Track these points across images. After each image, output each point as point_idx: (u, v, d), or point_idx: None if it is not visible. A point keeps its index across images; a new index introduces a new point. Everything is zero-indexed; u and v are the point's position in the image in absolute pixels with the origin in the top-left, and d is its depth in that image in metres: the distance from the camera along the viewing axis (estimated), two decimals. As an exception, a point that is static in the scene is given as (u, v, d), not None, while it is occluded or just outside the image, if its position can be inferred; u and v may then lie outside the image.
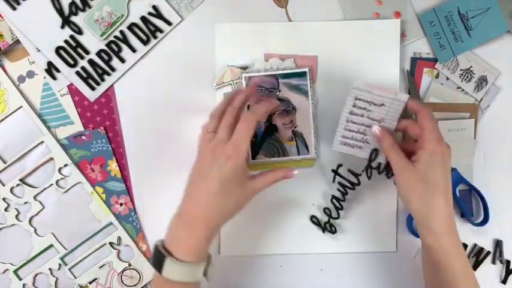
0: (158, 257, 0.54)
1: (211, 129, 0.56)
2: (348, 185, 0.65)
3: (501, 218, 0.68)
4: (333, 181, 0.66)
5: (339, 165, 0.65)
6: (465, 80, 0.67)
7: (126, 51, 0.65)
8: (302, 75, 0.65)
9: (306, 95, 0.65)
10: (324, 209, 0.66)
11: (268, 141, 0.65)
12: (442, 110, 0.67)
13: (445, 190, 0.56)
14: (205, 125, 0.58)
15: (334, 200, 0.66)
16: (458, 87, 0.67)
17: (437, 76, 0.67)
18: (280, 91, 0.65)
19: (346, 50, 0.66)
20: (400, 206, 0.67)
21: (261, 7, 0.66)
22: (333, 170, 0.65)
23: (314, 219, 0.67)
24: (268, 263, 0.68)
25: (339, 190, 0.65)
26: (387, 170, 0.61)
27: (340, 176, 0.65)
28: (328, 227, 0.66)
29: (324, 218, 0.67)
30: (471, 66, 0.67)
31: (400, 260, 0.68)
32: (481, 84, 0.67)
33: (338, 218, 0.66)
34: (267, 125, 0.65)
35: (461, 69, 0.67)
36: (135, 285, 0.68)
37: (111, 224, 0.67)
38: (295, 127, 0.65)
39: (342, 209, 0.66)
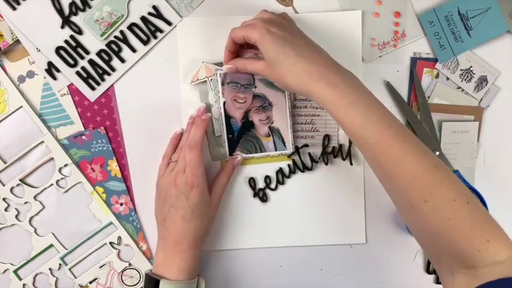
0: (151, 283, 0.58)
1: (175, 159, 0.62)
2: (300, 165, 0.66)
3: (501, 218, 0.68)
4: (289, 156, 0.66)
5: (305, 145, 0.66)
6: (465, 80, 0.67)
7: (126, 51, 0.65)
8: None
9: (282, 90, 0.65)
10: (265, 177, 0.67)
11: (245, 138, 0.66)
12: (447, 112, 0.67)
13: (290, 52, 0.55)
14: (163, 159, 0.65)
15: (279, 173, 0.66)
16: (458, 87, 0.67)
17: (437, 76, 0.67)
18: (256, 87, 0.65)
19: (318, 43, 0.65)
20: (368, 197, 0.67)
21: (265, 7, 0.66)
22: (296, 147, 0.66)
23: (251, 182, 0.67)
24: (268, 261, 0.68)
25: (288, 166, 0.66)
26: (341, 152, 0.66)
27: (299, 155, 0.66)
28: (260, 194, 0.67)
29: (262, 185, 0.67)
30: (471, 66, 0.67)
31: (370, 251, 0.68)
32: (481, 84, 0.67)
33: (275, 189, 0.67)
34: (243, 121, 0.65)
35: (461, 69, 0.67)
36: (135, 285, 0.68)
37: (111, 224, 0.67)
38: (271, 123, 0.66)
39: (282, 183, 0.67)
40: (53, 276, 0.67)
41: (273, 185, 0.67)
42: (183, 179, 0.59)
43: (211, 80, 0.65)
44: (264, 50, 0.56)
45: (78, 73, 0.65)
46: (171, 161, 0.63)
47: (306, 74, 0.54)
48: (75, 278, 0.67)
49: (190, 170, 0.59)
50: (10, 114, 0.65)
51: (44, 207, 0.66)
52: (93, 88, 0.66)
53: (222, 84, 0.64)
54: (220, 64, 0.65)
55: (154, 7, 0.65)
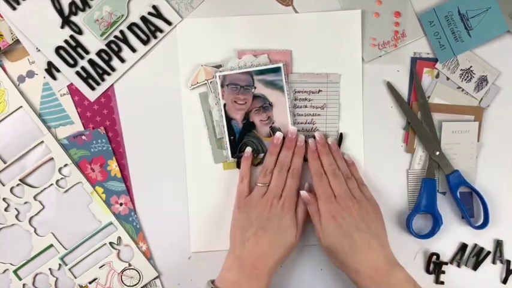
0: None
1: (265, 183, 0.63)
2: None
3: (501, 218, 0.68)
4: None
5: None
6: (465, 80, 0.67)
7: (126, 51, 0.65)
8: (277, 70, 0.65)
9: (281, 90, 0.65)
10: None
11: (247, 139, 0.66)
12: (447, 112, 0.67)
13: (361, 245, 0.59)
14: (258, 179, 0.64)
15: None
16: (459, 87, 0.67)
17: (437, 76, 0.67)
18: (255, 88, 0.65)
19: (319, 43, 0.66)
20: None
21: (265, 7, 0.66)
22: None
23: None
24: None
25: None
26: None
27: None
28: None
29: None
30: (471, 66, 0.67)
31: None
32: (481, 84, 0.67)
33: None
34: (244, 122, 0.65)
35: (461, 69, 0.67)
36: (135, 285, 0.68)
37: (111, 224, 0.67)
38: (272, 123, 0.66)
39: (257, 155, 0.66)
40: (53, 276, 0.67)
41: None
42: (279, 203, 0.61)
43: (210, 82, 0.65)
44: (323, 235, 0.60)
45: (78, 73, 0.65)
46: (258, 185, 0.63)
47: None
48: (75, 278, 0.67)
49: (289, 196, 0.62)
50: (10, 114, 0.65)
51: (43, 207, 0.66)
52: (93, 88, 0.66)
53: (222, 86, 0.65)
54: (219, 66, 0.65)
55: (154, 7, 0.65)
